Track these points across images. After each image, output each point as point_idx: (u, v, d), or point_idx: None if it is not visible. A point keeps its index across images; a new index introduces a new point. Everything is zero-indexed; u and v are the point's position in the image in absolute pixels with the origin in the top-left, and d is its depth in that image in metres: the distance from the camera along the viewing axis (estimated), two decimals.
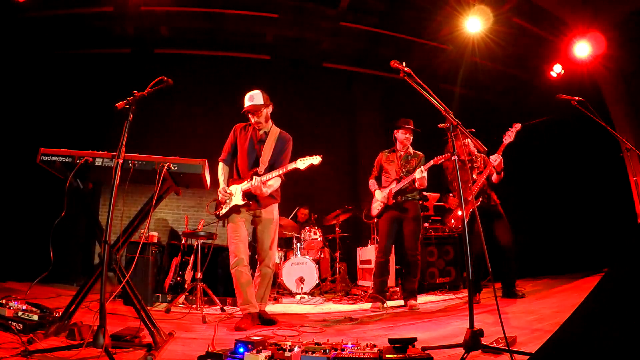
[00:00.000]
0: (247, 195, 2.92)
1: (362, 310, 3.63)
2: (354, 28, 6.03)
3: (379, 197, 3.83)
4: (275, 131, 3.12)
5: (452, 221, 3.90)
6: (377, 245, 4.13)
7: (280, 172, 2.87)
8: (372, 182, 3.99)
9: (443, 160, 3.58)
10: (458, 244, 5.00)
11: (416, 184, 3.69)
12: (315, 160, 2.87)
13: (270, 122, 3.15)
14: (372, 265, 4.89)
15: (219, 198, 2.99)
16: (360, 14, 5.87)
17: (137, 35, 6.05)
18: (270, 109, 3.14)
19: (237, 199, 2.93)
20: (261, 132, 3.09)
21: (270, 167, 2.97)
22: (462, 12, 5.05)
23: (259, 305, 3.06)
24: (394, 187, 3.76)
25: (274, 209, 3.11)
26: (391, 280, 4.59)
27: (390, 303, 3.93)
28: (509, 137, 3.57)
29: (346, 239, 5.73)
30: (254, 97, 3.03)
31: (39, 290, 3.72)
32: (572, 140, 5.38)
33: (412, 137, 3.87)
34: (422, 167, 3.57)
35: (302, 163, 2.85)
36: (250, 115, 3.07)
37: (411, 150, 3.91)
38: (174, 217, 6.30)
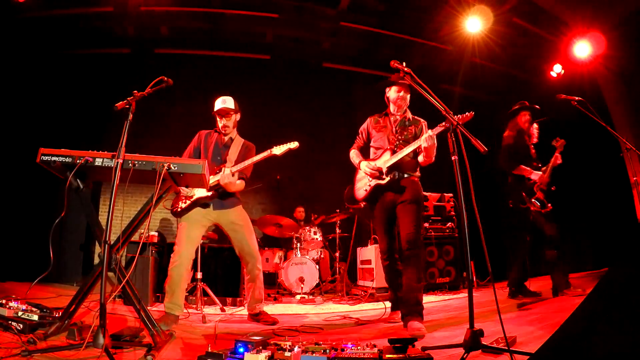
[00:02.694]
0: (213, 188, 2.89)
1: (363, 310, 3.63)
2: (354, 28, 6.04)
3: (367, 169, 2.85)
4: (239, 139, 3.15)
5: (535, 201, 3.57)
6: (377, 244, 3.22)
7: (254, 159, 2.92)
8: (354, 153, 3.06)
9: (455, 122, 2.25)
10: (458, 244, 5.00)
11: (420, 157, 2.82)
12: (293, 145, 2.95)
13: (235, 130, 3.18)
14: (373, 265, 4.89)
15: (181, 192, 2.93)
16: (360, 14, 5.87)
17: (137, 35, 6.05)
18: (238, 117, 3.18)
19: (202, 191, 2.87)
20: (226, 137, 3.12)
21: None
22: (462, 12, 5.05)
23: (258, 307, 3.04)
24: (388, 159, 2.81)
25: (241, 210, 3.06)
26: None
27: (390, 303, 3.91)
28: (558, 160, 3.60)
29: (346, 239, 5.73)
30: (226, 101, 3.08)
31: (39, 290, 3.72)
32: (572, 140, 5.38)
33: (409, 97, 2.94)
34: (429, 131, 2.60)
35: (278, 149, 2.93)
36: (219, 118, 3.09)
37: (409, 115, 2.99)
38: (174, 217, 6.30)
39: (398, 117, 2.96)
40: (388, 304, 3.67)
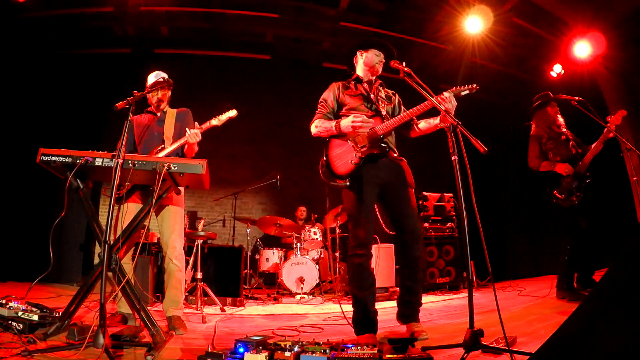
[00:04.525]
0: None
1: None
2: (354, 28, 6.04)
3: (357, 120, 2.30)
4: (171, 110, 2.93)
5: (562, 195, 3.35)
6: (352, 232, 2.35)
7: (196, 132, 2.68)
8: (321, 121, 2.48)
9: (466, 92, 2.28)
10: (458, 244, 5.00)
11: (422, 123, 2.41)
12: (232, 113, 2.78)
13: (167, 104, 2.97)
14: (373, 265, 4.88)
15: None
16: (360, 14, 5.87)
17: (137, 35, 6.06)
18: (169, 93, 2.98)
19: None
20: (159, 113, 2.90)
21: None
22: (462, 12, 5.05)
23: (172, 311, 2.60)
24: (381, 126, 2.34)
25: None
26: (390, 281, 4.58)
27: (390, 303, 3.90)
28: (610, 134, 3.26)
29: (346, 239, 5.73)
30: (159, 75, 2.91)
31: (39, 290, 3.72)
32: None
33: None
34: (447, 92, 2.24)
35: (217, 120, 2.75)
36: (153, 93, 2.84)
37: (381, 87, 2.61)
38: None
39: (372, 84, 2.57)
40: (390, 304, 3.39)
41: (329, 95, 2.56)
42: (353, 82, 2.57)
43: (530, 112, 3.78)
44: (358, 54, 2.60)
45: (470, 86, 2.25)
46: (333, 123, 2.39)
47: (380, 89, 2.57)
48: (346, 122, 2.32)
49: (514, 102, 6.60)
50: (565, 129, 3.60)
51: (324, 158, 2.42)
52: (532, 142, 3.66)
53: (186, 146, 2.75)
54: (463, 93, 2.26)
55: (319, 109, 2.58)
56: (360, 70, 2.58)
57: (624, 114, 3.28)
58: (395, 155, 2.42)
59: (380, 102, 2.47)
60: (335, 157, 2.40)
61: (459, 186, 1.91)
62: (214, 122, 2.75)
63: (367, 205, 2.29)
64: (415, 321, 2.30)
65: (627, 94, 4.83)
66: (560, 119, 3.65)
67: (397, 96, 2.63)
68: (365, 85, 2.53)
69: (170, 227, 2.67)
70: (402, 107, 2.59)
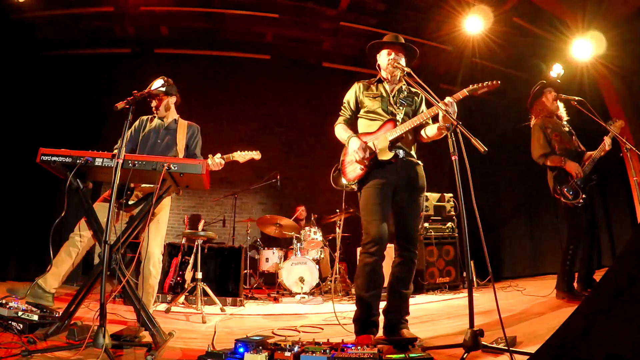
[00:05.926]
0: None
1: None
2: (354, 28, 6.04)
3: (356, 153, 2.31)
4: (183, 122, 2.97)
5: (565, 191, 3.25)
6: (363, 230, 2.30)
7: (221, 162, 2.83)
8: (341, 127, 2.54)
9: (485, 90, 2.16)
10: (458, 244, 5.00)
11: (427, 132, 2.35)
12: (256, 155, 2.98)
13: (175, 113, 3.00)
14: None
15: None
16: (360, 14, 5.87)
17: (137, 35, 6.07)
18: (173, 100, 2.97)
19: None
20: (167, 120, 2.93)
21: (186, 154, 2.86)
22: (461, 12, 5.05)
23: None
24: (392, 132, 2.32)
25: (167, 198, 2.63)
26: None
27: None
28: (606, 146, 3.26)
29: (346, 239, 5.73)
30: (155, 84, 2.86)
31: None
32: None
33: (404, 60, 2.47)
34: (447, 98, 2.17)
35: (241, 157, 2.94)
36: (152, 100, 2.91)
37: (404, 86, 2.50)
38: (174, 217, 6.30)
39: (394, 85, 2.49)
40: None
41: (351, 97, 2.57)
42: (375, 83, 2.53)
43: (529, 105, 3.73)
44: (377, 55, 2.57)
45: (490, 83, 2.13)
46: (346, 137, 2.45)
47: (403, 89, 2.49)
48: (351, 148, 2.37)
49: (514, 102, 6.60)
50: (565, 121, 3.52)
51: (338, 163, 2.52)
52: (535, 131, 3.49)
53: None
54: (481, 91, 2.16)
55: (341, 112, 2.62)
56: (382, 72, 2.54)
57: (622, 125, 3.30)
58: (409, 159, 2.38)
59: (398, 105, 2.43)
60: (348, 162, 2.45)
61: (459, 186, 1.91)
62: (237, 157, 2.93)
63: (376, 204, 2.24)
64: (405, 328, 2.21)
65: (627, 94, 4.83)
66: (562, 108, 3.54)
67: (420, 94, 2.47)
68: (386, 86, 2.49)
69: (156, 233, 2.61)
70: (422, 108, 2.49)
